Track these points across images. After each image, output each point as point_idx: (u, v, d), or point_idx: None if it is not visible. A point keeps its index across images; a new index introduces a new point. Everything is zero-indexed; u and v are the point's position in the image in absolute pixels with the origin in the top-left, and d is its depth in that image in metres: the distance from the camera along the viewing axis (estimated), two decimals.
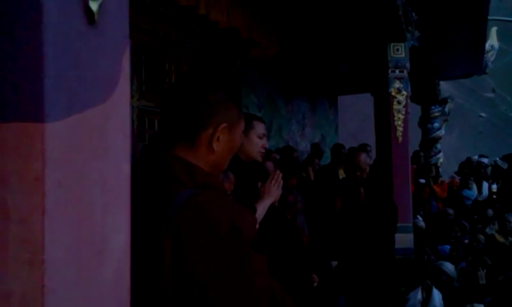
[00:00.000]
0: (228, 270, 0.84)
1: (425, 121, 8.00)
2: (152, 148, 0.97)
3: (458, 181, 7.01)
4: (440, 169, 7.92)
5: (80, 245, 0.64)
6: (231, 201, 0.97)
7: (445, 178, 7.46)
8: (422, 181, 6.35)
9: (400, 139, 4.16)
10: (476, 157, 7.71)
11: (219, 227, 0.85)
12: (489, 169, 7.41)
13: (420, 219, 5.15)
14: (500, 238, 4.28)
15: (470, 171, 7.25)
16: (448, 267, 3.42)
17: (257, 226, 1.81)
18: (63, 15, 0.60)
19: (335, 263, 3.57)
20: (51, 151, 0.60)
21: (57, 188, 0.61)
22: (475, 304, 3.11)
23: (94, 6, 0.63)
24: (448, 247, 4.27)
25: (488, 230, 4.80)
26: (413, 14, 4.20)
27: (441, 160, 7.98)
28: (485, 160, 7.54)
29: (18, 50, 0.58)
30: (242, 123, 1.04)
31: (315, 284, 2.70)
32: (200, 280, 0.83)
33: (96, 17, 0.64)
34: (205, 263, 0.83)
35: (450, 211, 5.21)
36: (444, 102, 8.03)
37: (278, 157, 4.39)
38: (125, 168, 0.76)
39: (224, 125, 0.97)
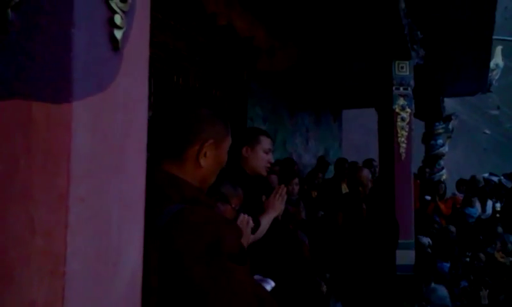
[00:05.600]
0: (210, 279, 0.88)
1: (429, 138, 7.99)
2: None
3: (460, 198, 6.99)
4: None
5: (98, 258, 0.68)
6: (217, 215, 1.03)
7: (448, 195, 7.44)
8: (428, 198, 6.31)
9: (403, 155, 4.18)
10: (487, 175, 7.66)
11: (204, 238, 0.89)
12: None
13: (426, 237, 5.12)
14: (500, 258, 4.27)
15: (467, 188, 7.24)
16: (443, 292, 3.39)
17: (260, 236, 1.84)
18: (91, 42, 0.65)
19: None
20: (75, 168, 0.64)
21: (80, 203, 0.65)
22: None
23: (118, 35, 0.68)
24: (448, 265, 4.25)
25: (489, 249, 4.78)
26: (418, 33, 4.25)
27: (444, 176, 7.96)
28: (494, 179, 7.49)
29: (49, 74, 0.63)
30: (229, 138, 1.09)
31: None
32: (189, 287, 0.87)
33: (120, 44, 0.69)
34: (192, 272, 0.87)
35: (452, 228, 5.19)
36: (448, 119, 8.04)
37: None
38: (141, 182, 0.80)
39: (211, 141, 1.02)
